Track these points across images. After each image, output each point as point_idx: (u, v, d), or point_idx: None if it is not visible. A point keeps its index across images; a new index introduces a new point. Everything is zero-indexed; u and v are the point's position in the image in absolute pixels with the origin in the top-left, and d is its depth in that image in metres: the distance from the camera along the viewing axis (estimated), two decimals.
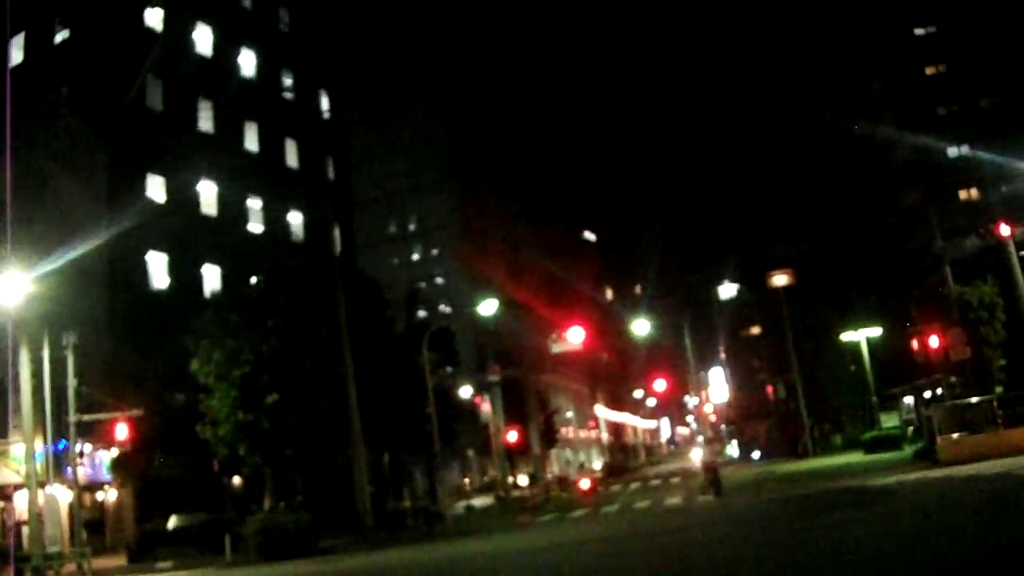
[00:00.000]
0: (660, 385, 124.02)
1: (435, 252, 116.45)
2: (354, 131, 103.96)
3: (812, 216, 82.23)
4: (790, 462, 60.51)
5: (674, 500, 38.41)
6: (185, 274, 52.83)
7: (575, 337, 44.67)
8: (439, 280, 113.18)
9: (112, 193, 49.47)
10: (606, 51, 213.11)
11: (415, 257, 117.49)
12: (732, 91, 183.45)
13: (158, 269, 52.03)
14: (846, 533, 18.21)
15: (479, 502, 58.89)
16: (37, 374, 35.00)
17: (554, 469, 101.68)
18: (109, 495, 45.49)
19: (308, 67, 67.37)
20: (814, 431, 67.37)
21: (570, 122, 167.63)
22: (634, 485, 60.93)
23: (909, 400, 68.80)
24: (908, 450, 45.39)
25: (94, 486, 44.69)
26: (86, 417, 36.12)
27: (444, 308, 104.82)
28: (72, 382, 35.49)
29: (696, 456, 57.71)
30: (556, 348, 47.88)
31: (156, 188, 52.82)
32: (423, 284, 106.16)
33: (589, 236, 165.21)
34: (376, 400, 49.98)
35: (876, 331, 56.90)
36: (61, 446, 39.73)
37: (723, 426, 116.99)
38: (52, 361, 35.48)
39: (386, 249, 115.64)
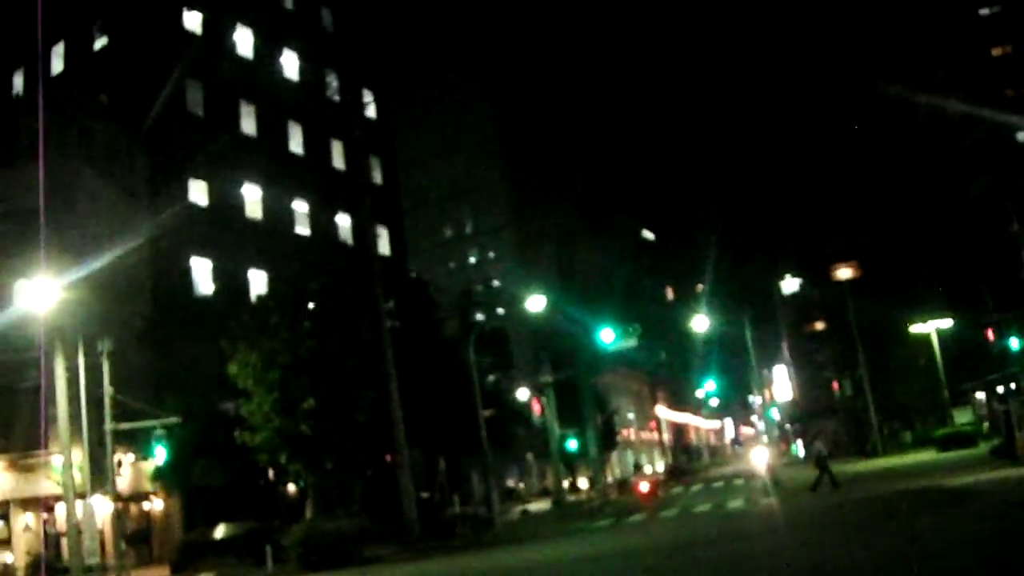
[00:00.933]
0: (711, 386, 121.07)
1: (492, 255, 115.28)
2: (407, 133, 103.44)
3: (876, 206, 79.44)
4: (859, 461, 58.39)
5: (736, 503, 36.46)
6: (230, 279, 51.77)
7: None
8: (496, 283, 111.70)
9: (153, 198, 48.54)
10: (663, 46, 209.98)
11: (472, 260, 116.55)
12: (794, 77, 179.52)
13: (202, 274, 51.08)
14: (928, 545, 16.35)
15: (536, 507, 57.31)
16: (74, 383, 34.03)
17: (615, 472, 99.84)
18: (155, 505, 44.48)
19: (352, 67, 66.18)
20: (883, 429, 64.88)
21: (627, 119, 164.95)
22: (696, 487, 58.95)
23: (982, 395, 66.18)
24: (984, 447, 43.19)
25: (139, 496, 43.77)
26: (124, 425, 34.97)
27: (501, 311, 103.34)
28: (108, 390, 34.40)
29: (757, 457, 55.52)
30: (608, 347, 46.10)
31: (199, 192, 51.94)
32: (480, 287, 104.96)
33: (648, 235, 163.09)
34: (428, 403, 48.57)
35: (947, 323, 54.45)
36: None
37: (788, 425, 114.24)
38: (90, 369, 34.50)
39: (442, 252, 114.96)
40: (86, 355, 34.25)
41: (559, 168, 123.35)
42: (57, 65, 54.33)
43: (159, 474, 39.46)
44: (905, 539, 17.11)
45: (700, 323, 58.82)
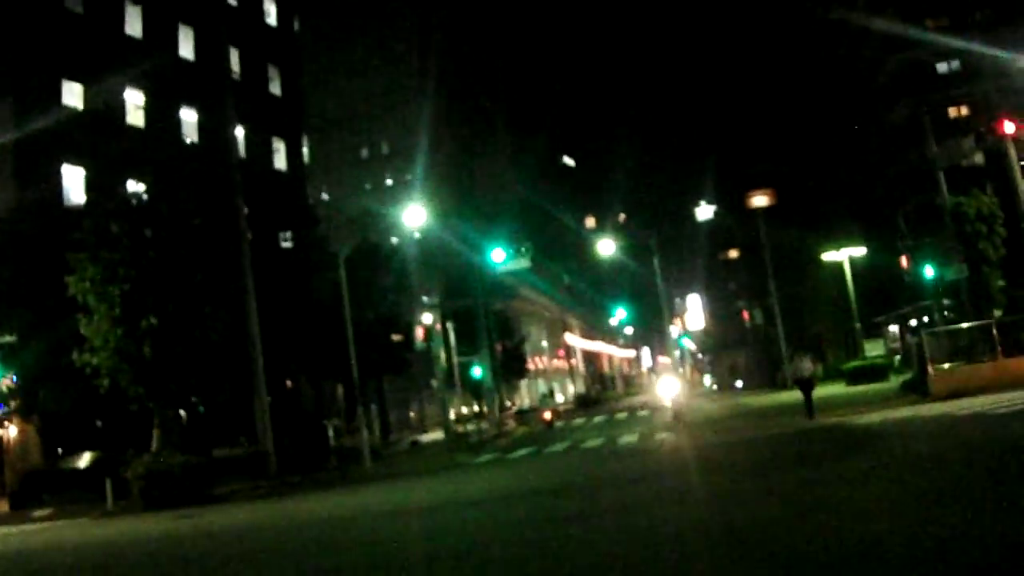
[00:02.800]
0: (621, 314, 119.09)
1: (408, 177, 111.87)
2: (322, 47, 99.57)
3: (795, 132, 76.98)
4: (768, 393, 56.78)
5: (629, 439, 34.08)
6: (107, 190, 47.89)
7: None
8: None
9: (19, 100, 44.58)
10: None
11: (388, 182, 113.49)
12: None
13: (74, 183, 47.17)
14: (814, 511, 13.83)
15: (431, 437, 54.90)
16: None
17: (523, 400, 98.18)
18: (10, 431, 41.02)
19: None
20: (793, 360, 63.04)
21: (544, 32, 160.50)
22: (599, 418, 56.83)
23: (895, 328, 64.80)
24: (895, 381, 41.45)
25: None
26: None
27: (417, 234, 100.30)
28: None
29: (663, 388, 53.59)
30: (500, 268, 43.41)
31: (73, 96, 47.82)
32: (392, 209, 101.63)
33: (568, 161, 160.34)
34: (312, 326, 45.75)
35: (860, 250, 52.53)
36: None
37: (700, 355, 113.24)
38: None
39: (358, 174, 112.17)
40: None
41: (479, 90, 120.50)
42: None
43: (1, 397, 36.15)
44: (779, 500, 14.51)
45: (606, 247, 56.28)
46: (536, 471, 26.56)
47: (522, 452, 34.95)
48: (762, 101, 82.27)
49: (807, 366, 33.25)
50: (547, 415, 56.74)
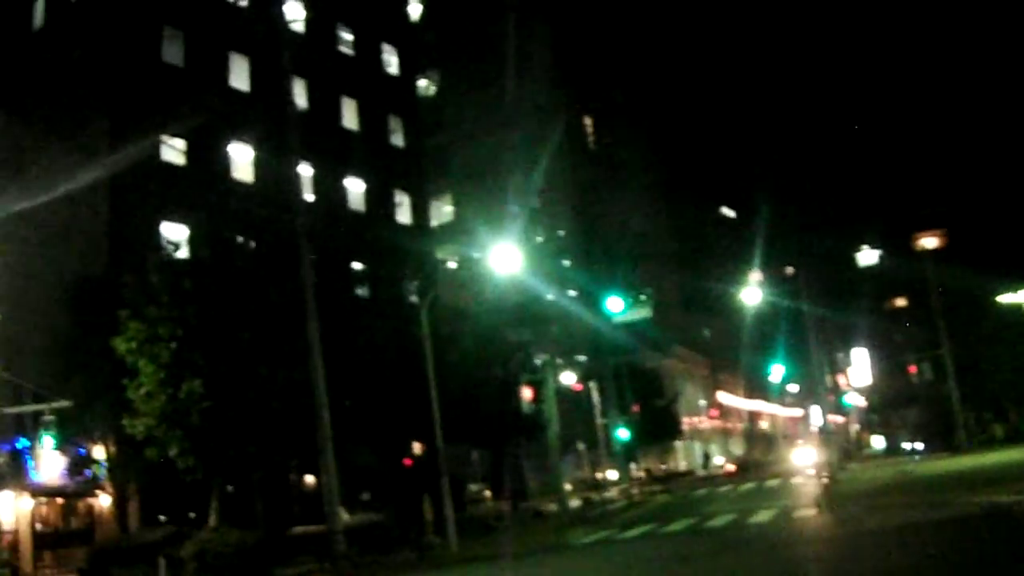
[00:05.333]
0: (779, 370, 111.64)
1: (561, 233, 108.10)
2: (462, 101, 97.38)
3: (967, 164, 70.39)
4: (944, 458, 50.31)
5: (764, 516, 28.74)
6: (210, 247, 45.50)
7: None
8: (566, 262, 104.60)
9: (116, 156, 42.71)
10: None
11: (539, 239, 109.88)
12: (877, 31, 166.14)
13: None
14: None
15: (556, 507, 50.36)
16: None
17: (679, 463, 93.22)
18: (101, 500, 38.29)
19: (369, 18, 59.68)
20: (969, 420, 56.43)
21: (702, 83, 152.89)
22: (747, 486, 51.17)
23: None
24: None
25: (85, 492, 37.78)
26: (8, 409, 29.18)
27: (573, 292, 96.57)
28: None
29: (800, 458, 48.00)
30: (618, 319, 38.21)
31: (175, 152, 45.85)
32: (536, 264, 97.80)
33: (728, 212, 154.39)
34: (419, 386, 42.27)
35: None
36: (22, 444, 33.34)
37: (868, 413, 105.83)
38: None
39: (509, 229, 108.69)
40: None
41: (631, 142, 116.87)
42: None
43: (78, 467, 33.67)
44: None
45: (751, 295, 51.11)
46: (629, 564, 21.83)
47: (637, 531, 30.04)
48: (930, 130, 76.10)
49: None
50: (731, 468, 53.28)
